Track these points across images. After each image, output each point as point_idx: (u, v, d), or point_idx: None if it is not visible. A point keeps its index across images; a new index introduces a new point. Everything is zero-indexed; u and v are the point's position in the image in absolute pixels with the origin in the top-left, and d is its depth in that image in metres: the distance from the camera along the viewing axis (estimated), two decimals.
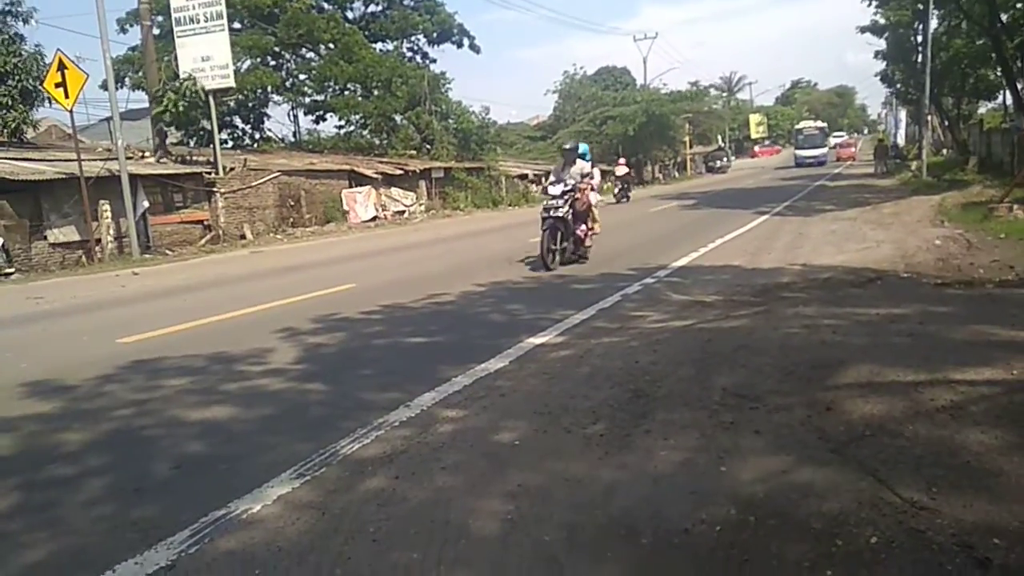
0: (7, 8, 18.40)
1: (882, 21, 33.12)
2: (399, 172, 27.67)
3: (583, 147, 11.70)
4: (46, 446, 4.26)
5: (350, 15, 35.28)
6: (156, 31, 23.93)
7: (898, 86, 42.81)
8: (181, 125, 22.30)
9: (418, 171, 28.84)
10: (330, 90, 32.50)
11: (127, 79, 29.13)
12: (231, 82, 21.31)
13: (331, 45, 31.79)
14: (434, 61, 37.45)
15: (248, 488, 3.38)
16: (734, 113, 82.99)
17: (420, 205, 28.33)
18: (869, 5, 30.53)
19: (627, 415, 3.93)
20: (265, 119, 32.66)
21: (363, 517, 3.01)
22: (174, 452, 4.03)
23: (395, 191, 27.30)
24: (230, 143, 30.39)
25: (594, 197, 11.12)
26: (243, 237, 20.52)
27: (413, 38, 36.88)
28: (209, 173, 20.48)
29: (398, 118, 32.63)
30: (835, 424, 3.53)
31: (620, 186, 29.45)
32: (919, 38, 31.73)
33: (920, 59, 30.83)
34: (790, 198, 22.96)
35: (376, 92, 31.95)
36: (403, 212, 27.10)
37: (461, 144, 33.31)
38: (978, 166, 26.63)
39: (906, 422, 3.47)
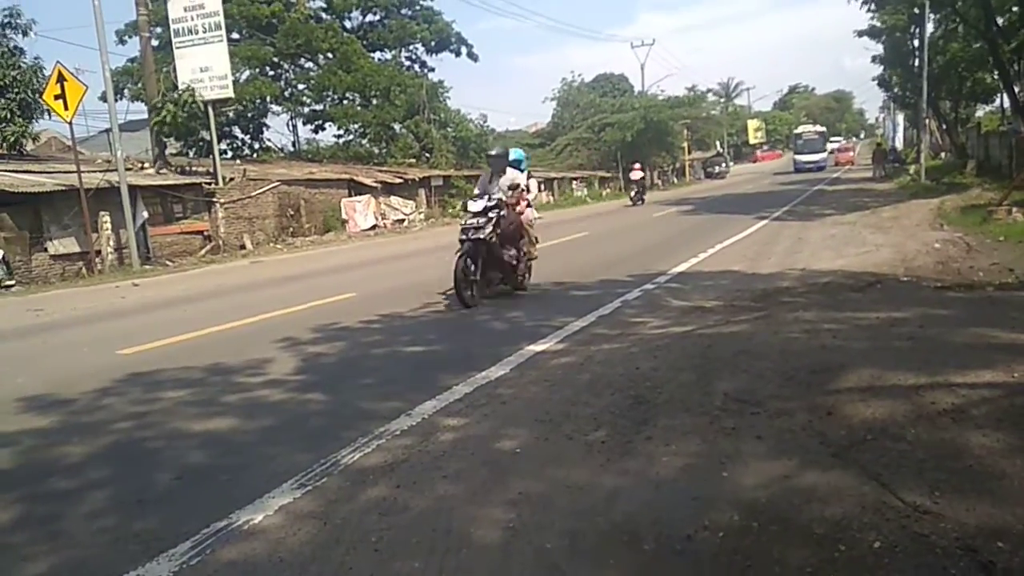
0: (6, 21, 18.46)
1: (879, 25, 33.21)
2: (398, 181, 27.72)
3: (516, 153, 9.93)
4: (46, 459, 4.25)
5: (348, 25, 35.45)
6: (155, 42, 23.99)
7: (896, 90, 42.94)
8: (180, 136, 22.39)
9: (417, 179, 28.89)
10: (329, 99, 32.62)
11: (126, 90, 29.23)
12: (230, 92, 21.37)
13: (329, 55, 31.91)
14: (432, 70, 37.64)
15: (249, 498, 3.38)
16: (732, 119, 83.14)
17: (419, 213, 28.36)
18: (867, 9, 30.62)
19: (628, 421, 3.92)
20: (264, 129, 32.83)
21: (365, 526, 3.00)
22: (175, 463, 4.02)
23: (394, 199, 27.33)
24: (229, 153, 30.48)
25: (530, 214, 9.42)
26: (243, 247, 20.53)
27: (411, 47, 37.04)
28: (209, 183, 20.51)
29: (397, 127, 32.72)
30: (837, 428, 3.52)
31: (636, 189, 31.66)
32: (916, 42, 31.86)
33: (917, 63, 30.95)
34: (789, 203, 22.98)
35: (375, 101, 32.06)
36: (402, 220, 27.12)
37: (460, 152, 33.39)
38: (976, 169, 26.67)
39: (908, 426, 3.46)
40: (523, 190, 9.20)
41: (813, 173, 46.87)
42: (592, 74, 56.98)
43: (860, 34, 34.97)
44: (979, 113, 40.70)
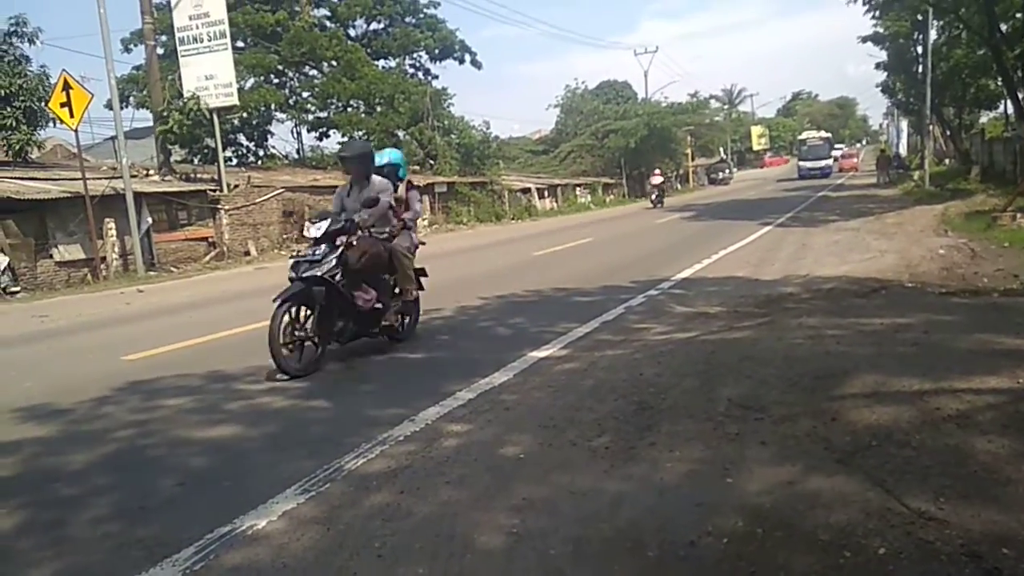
0: (12, 29, 18.53)
1: (883, 32, 33.22)
2: None
3: (391, 155, 7.22)
4: (51, 464, 4.25)
5: (352, 33, 35.56)
6: (160, 50, 24.11)
7: (899, 96, 42.87)
8: (185, 143, 22.44)
9: (421, 186, 28.92)
10: (333, 107, 32.70)
11: (131, 98, 29.32)
12: (235, 100, 21.43)
13: (334, 63, 32.01)
14: (436, 77, 37.67)
15: (253, 504, 3.38)
16: (735, 125, 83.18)
17: (423, 220, 28.41)
18: (870, 15, 30.64)
19: (632, 427, 3.92)
20: (269, 136, 32.81)
21: (368, 532, 3.00)
22: (179, 468, 4.03)
23: None
24: (234, 160, 30.52)
25: (407, 240, 6.89)
26: (247, 253, 20.57)
27: (415, 55, 37.10)
28: (213, 190, 20.57)
29: (401, 134, 32.77)
30: (841, 434, 3.51)
31: (656, 193, 33.88)
32: (919, 49, 31.84)
33: (921, 69, 30.94)
34: (793, 209, 22.97)
35: (379, 108, 32.13)
36: None
37: (464, 159, 33.42)
38: (981, 175, 26.63)
39: (913, 432, 3.45)
40: (400, 206, 7.00)
41: (817, 180, 46.82)
42: (596, 81, 57.23)
43: (864, 40, 34.99)
44: (983, 119, 40.65)
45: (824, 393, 4.12)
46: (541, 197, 38.31)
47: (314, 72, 33.33)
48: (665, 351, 5.62)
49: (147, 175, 21.00)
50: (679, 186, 54.57)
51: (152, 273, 17.02)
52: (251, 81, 30.28)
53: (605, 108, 50.36)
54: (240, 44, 29.38)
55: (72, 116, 16.15)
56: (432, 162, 32.38)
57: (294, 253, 6.33)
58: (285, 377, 5.74)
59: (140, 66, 28.68)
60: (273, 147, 32.88)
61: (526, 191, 37.06)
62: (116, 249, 16.98)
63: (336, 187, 26.63)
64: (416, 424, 4.40)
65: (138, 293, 13.60)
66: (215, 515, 3.29)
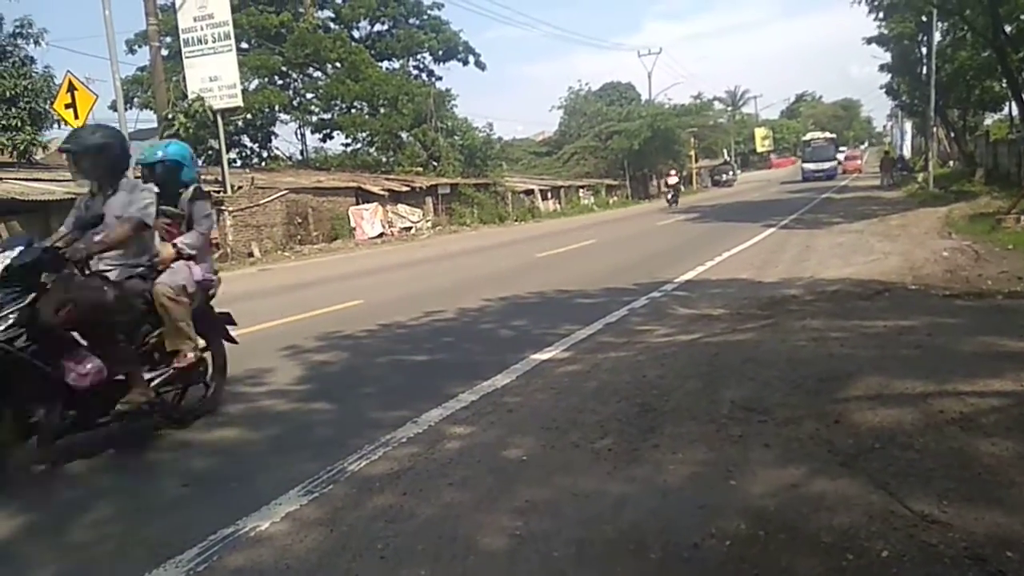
0: (18, 31, 18.61)
1: (887, 33, 33.16)
2: (405, 189, 27.78)
3: (171, 149, 5.46)
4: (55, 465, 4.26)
5: (356, 34, 35.66)
6: (165, 52, 24.16)
7: (903, 98, 42.79)
8: (189, 144, 22.52)
9: (424, 187, 28.96)
10: (337, 108, 32.78)
11: (136, 99, 29.44)
12: (239, 102, 21.49)
13: (338, 64, 32.09)
14: (440, 78, 37.75)
15: (256, 506, 3.38)
16: (739, 127, 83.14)
17: (427, 221, 28.42)
18: (875, 17, 30.61)
19: (635, 429, 3.92)
20: (273, 138, 32.98)
21: (371, 534, 3.01)
22: (182, 470, 4.03)
23: (402, 207, 27.39)
24: (238, 162, 30.62)
25: (188, 273, 4.80)
26: (251, 255, 20.61)
27: (419, 56, 37.18)
28: (217, 192, 20.60)
29: (404, 135, 32.83)
30: (844, 437, 3.51)
31: (672, 192, 36.01)
32: (924, 50, 31.79)
33: (925, 71, 30.88)
34: (796, 211, 22.94)
35: (382, 110, 32.19)
36: (410, 228, 27.18)
37: (467, 160, 33.46)
38: (985, 177, 26.57)
39: (916, 434, 3.45)
40: (172, 224, 5.09)
41: (821, 182, 46.71)
42: (599, 83, 57.30)
43: (868, 41, 34.93)
44: (987, 121, 40.59)
45: (827, 395, 4.12)
46: (544, 199, 38.33)
47: (318, 74, 33.43)
48: (668, 353, 5.62)
49: None
50: (683, 188, 54.60)
51: None
52: (255, 82, 30.38)
53: (609, 110, 50.39)
54: (244, 45, 29.47)
55: (77, 117, 16.17)
56: (435, 163, 32.43)
57: None
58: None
59: (145, 67, 28.77)
60: (277, 148, 33.05)
61: (529, 193, 37.08)
62: None
63: (340, 188, 26.38)
64: (419, 426, 4.40)
65: None
66: (218, 516, 3.29)
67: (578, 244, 17.17)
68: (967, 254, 10.35)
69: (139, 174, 5.32)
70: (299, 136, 34.73)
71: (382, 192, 26.33)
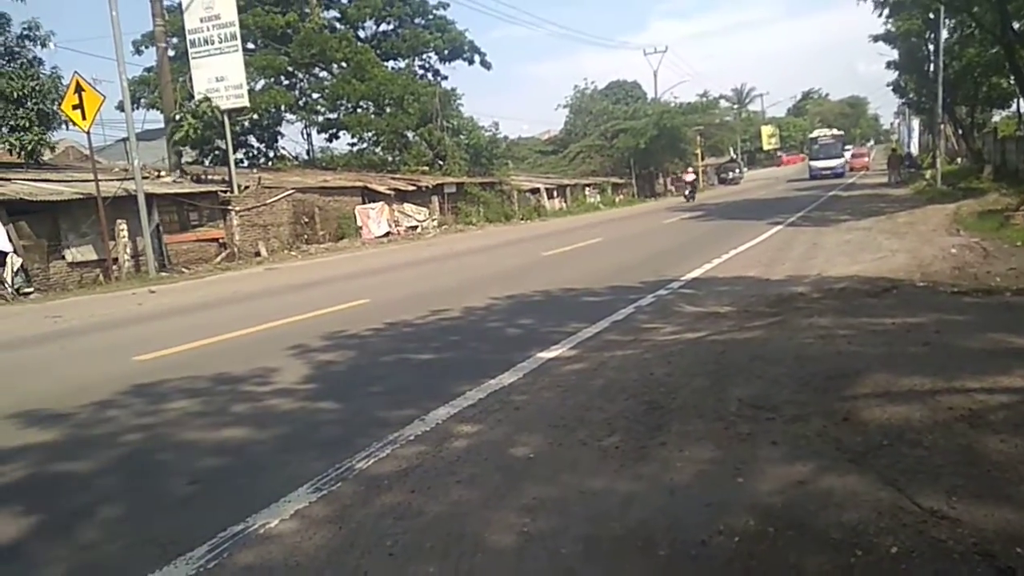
0: (25, 33, 18.71)
1: (894, 30, 33.02)
2: (411, 188, 27.83)
3: None
4: (64, 464, 4.28)
5: (362, 34, 35.74)
6: (171, 52, 24.29)
7: (911, 95, 42.65)
8: (196, 145, 22.61)
9: (430, 187, 29.00)
10: (343, 108, 32.85)
11: (143, 100, 29.55)
12: (245, 102, 21.56)
13: (344, 64, 32.15)
14: (445, 78, 37.83)
15: (265, 503, 3.40)
16: (745, 125, 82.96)
17: (433, 220, 28.45)
18: (880, 15, 30.47)
19: (642, 427, 3.92)
20: (279, 137, 33.08)
21: (380, 531, 3.01)
22: (191, 468, 4.05)
23: (408, 207, 27.44)
24: (245, 162, 30.72)
25: None
26: (258, 254, 20.68)
27: (424, 56, 37.26)
28: (224, 192, 20.69)
29: (410, 135, 32.88)
30: (852, 434, 3.50)
31: (689, 188, 38.13)
32: (931, 47, 31.66)
33: (932, 68, 30.75)
34: (803, 209, 22.88)
35: (388, 109, 32.25)
36: (416, 227, 27.22)
37: (473, 159, 33.51)
38: (993, 174, 26.46)
39: (924, 431, 3.44)
40: None
41: (828, 180, 46.50)
42: (605, 81, 57.26)
43: (875, 39, 34.81)
44: (995, 118, 40.39)
45: (835, 393, 4.11)
46: (550, 197, 38.35)
47: (324, 73, 33.51)
48: (675, 351, 5.61)
49: (158, 176, 21.15)
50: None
51: (163, 274, 17.13)
52: (261, 83, 30.47)
53: (614, 108, 50.42)
54: (251, 46, 29.56)
55: (84, 118, 16.29)
56: (441, 162, 32.49)
57: None
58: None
59: (152, 68, 28.93)
60: (283, 148, 33.15)
61: (535, 191, 37.09)
62: (128, 250, 17.10)
63: (346, 188, 26.66)
64: (426, 424, 4.41)
65: (150, 294, 13.69)
66: (228, 514, 3.30)
67: (584, 242, 17.16)
68: (975, 251, 10.30)
69: None
70: (305, 136, 34.87)
71: (388, 191, 26.38)
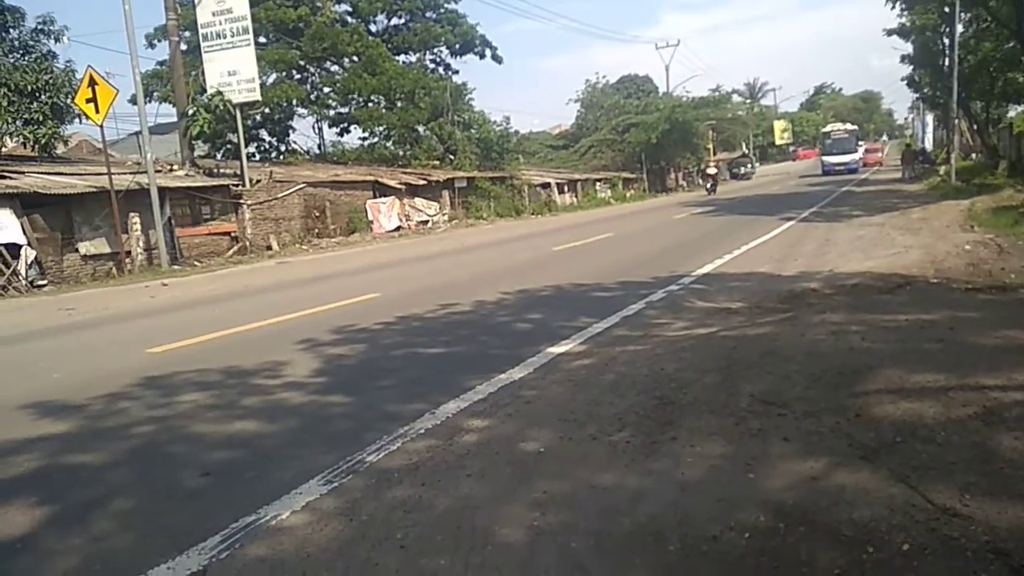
0: (40, 27, 18.84)
1: (908, 24, 32.75)
2: (422, 182, 27.86)
3: None
4: (78, 455, 4.32)
5: (373, 28, 35.73)
6: (184, 46, 24.35)
7: (925, 90, 42.28)
8: (208, 139, 22.71)
9: (441, 181, 29.02)
10: (354, 102, 32.88)
11: (155, 93, 29.67)
12: (257, 96, 21.63)
13: (355, 58, 32.19)
14: (456, 72, 37.79)
15: (277, 495, 3.41)
16: (758, 119, 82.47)
17: (443, 215, 28.47)
18: (893, 7, 30.20)
19: (653, 422, 3.91)
20: (290, 132, 33.20)
21: (390, 524, 3.03)
22: (203, 460, 4.07)
23: (419, 201, 27.47)
24: (256, 156, 30.84)
25: None
26: (269, 248, 20.76)
27: (435, 50, 37.24)
28: (236, 185, 20.77)
29: (421, 129, 32.90)
30: (865, 430, 3.48)
31: (711, 182, 39.89)
32: (946, 41, 31.35)
33: (947, 63, 30.45)
34: (816, 204, 22.76)
35: (399, 104, 32.27)
36: (426, 222, 27.25)
37: (483, 154, 33.48)
38: (1008, 170, 26.22)
39: (937, 428, 3.42)
40: None
41: (841, 175, 46.18)
42: (616, 75, 56.97)
43: (889, 33, 34.50)
44: (1011, 113, 39.96)
45: (847, 389, 4.08)
46: (561, 192, 38.29)
47: (335, 68, 33.55)
48: (686, 346, 5.60)
49: (171, 170, 21.26)
50: (700, 181, 54.29)
51: (176, 267, 17.22)
52: (273, 77, 30.55)
53: (626, 102, 50.18)
54: (262, 40, 29.62)
55: (97, 112, 16.37)
56: (452, 157, 32.50)
57: None
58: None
59: (164, 62, 29.03)
60: (295, 142, 33.26)
61: (546, 186, 37.04)
62: (141, 243, 17.21)
63: (357, 182, 26.78)
64: (436, 418, 4.42)
65: (162, 287, 13.76)
66: (239, 505, 3.32)
67: (595, 237, 17.13)
68: (990, 247, 10.21)
69: None
70: (316, 130, 34.98)
71: (399, 186, 26.41)
